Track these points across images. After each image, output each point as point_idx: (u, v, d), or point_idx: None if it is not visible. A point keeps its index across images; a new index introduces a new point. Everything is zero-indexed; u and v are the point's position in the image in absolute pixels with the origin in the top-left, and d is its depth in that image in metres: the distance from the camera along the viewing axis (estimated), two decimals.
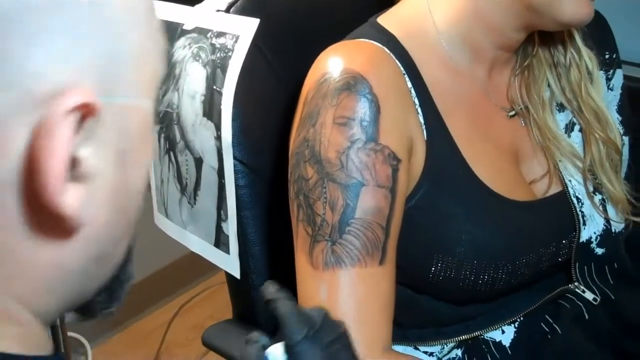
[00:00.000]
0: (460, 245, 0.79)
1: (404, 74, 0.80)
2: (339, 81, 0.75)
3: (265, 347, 0.55)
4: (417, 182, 0.78)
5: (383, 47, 0.80)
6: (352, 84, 0.75)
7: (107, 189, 0.39)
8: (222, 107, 0.92)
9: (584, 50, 0.89)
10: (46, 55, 0.35)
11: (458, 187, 0.80)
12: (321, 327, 0.53)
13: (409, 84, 0.80)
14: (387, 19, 0.86)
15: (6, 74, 0.33)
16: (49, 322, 0.41)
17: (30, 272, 0.37)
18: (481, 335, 0.85)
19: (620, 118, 0.96)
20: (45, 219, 0.36)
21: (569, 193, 0.88)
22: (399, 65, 0.80)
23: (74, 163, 0.36)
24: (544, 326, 0.87)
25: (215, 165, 0.96)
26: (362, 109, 0.75)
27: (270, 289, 0.55)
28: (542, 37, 0.88)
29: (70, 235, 0.37)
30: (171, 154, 1.02)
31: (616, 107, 0.96)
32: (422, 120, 0.80)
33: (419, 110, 0.80)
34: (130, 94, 0.40)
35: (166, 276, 2.05)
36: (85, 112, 0.35)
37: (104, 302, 0.45)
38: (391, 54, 0.80)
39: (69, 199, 0.35)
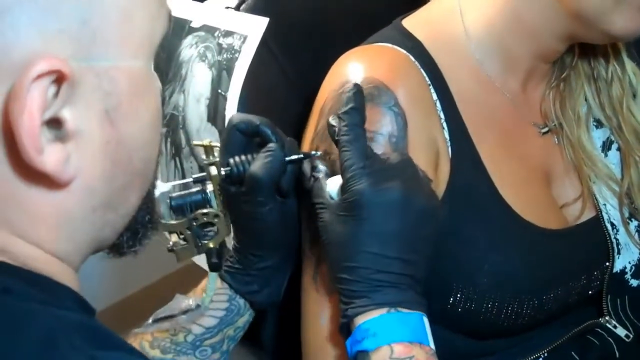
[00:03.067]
0: (482, 276, 0.72)
1: (429, 85, 0.74)
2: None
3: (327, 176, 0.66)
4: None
5: (408, 53, 0.74)
6: (376, 94, 0.69)
7: (96, 144, 0.42)
8: (225, 112, 0.85)
9: (628, 64, 0.82)
10: (14, 28, 0.37)
11: (483, 211, 0.74)
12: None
13: (435, 96, 0.74)
14: (413, 22, 0.79)
15: None
16: (76, 266, 0.45)
17: (37, 217, 0.41)
18: None
19: None
20: (33, 172, 0.40)
21: (603, 219, 0.80)
22: (425, 74, 0.73)
23: (57, 124, 0.39)
24: None
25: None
26: (389, 123, 0.69)
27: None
28: (583, 48, 0.82)
29: (63, 186, 0.41)
30: (177, 159, 0.96)
31: None
32: (447, 136, 0.73)
33: (445, 125, 0.74)
34: (114, 55, 0.42)
35: (163, 288, 1.99)
36: (58, 78, 0.38)
37: (130, 242, 0.50)
38: (416, 62, 0.74)
39: (49, 156, 0.39)
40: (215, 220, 0.68)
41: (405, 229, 0.61)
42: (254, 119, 0.70)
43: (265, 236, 0.71)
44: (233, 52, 0.84)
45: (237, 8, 0.88)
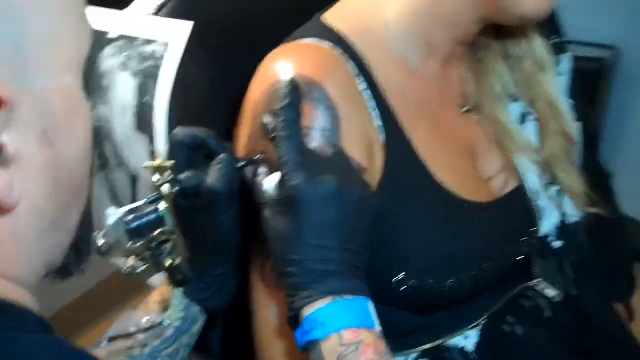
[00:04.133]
0: (423, 255, 0.76)
1: (357, 77, 0.76)
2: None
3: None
4: (376, 190, 0.74)
5: (333, 48, 0.75)
6: (307, 90, 0.70)
7: (38, 167, 0.42)
8: (154, 120, 0.85)
9: (537, 41, 0.86)
10: None
11: (417, 193, 0.77)
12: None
13: (363, 87, 0.76)
14: (333, 16, 0.81)
15: None
16: (33, 288, 0.46)
17: None
18: (444, 342, 0.82)
19: (571, 102, 0.92)
20: None
21: (525, 188, 0.85)
22: (351, 67, 0.75)
23: None
24: (506, 328, 0.84)
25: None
26: (322, 117, 0.70)
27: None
28: (494, 29, 0.85)
29: (9, 211, 0.41)
30: (104, 172, 0.95)
31: (566, 92, 0.93)
32: (378, 124, 0.76)
33: (375, 115, 0.76)
34: (47, 76, 0.42)
35: (100, 294, 1.96)
36: None
37: (76, 261, 0.51)
38: (341, 56, 0.75)
39: None
40: (173, 236, 0.68)
41: (342, 219, 0.63)
42: (199, 132, 0.71)
43: (222, 244, 0.73)
44: (157, 59, 0.84)
45: (157, 14, 0.88)
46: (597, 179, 0.94)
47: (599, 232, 0.93)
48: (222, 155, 0.70)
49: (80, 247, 0.51)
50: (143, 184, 0.91)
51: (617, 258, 0.98)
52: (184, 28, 0.82)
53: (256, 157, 0.71)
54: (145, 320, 0.73)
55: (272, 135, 0.67)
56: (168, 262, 0.70)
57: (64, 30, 0.44)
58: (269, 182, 0.67)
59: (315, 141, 0.70)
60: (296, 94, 0.67)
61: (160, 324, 0.71)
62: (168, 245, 0.70)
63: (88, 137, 0.47)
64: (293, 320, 0.64)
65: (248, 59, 0.82)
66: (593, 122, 1.04)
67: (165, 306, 0.75)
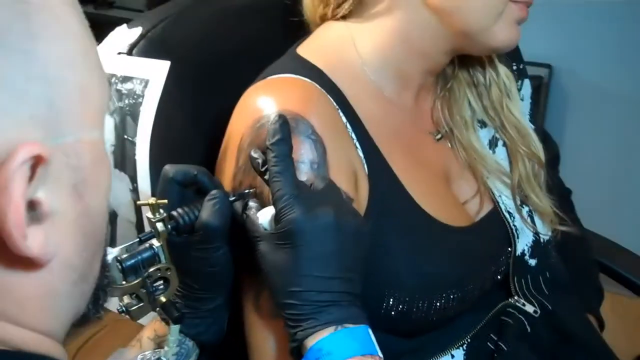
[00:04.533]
0: (410, 280, 0.78)
1: (338, 110, 0.78)
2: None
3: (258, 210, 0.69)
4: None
5: (312, 82, 0.77)
6: (294, 125, 0.71)
7: (69, 220, 0.42)
8: (136, 157, 0.85)
9: (501, 68, 0.90)
10: None
11: (402, 219, 0.79)
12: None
13: (344, 119, 0.78)
14: (307, 50, 0.83)
15: None
16: (61, 340, 0.46)
17: (24, 300, 0.42)
18: None
19: (533, 127, 0.97)
20: (15, 257, 0.40)
21: (500, 209, 0.89)
22: (332, 100, 0.77)
23: (32, 207, 0.39)
24: (490, 345, 0.87)
25: (133, 218, 0.89)
26: (310, 150, 0.72)
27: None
28: (461, 59, 0.89)
29: (42, 266, 0.41)
30: None
31: (528, 116, 0.98)
32: (361, 155, 0.78)
33: (358, 145, 0.78)
34: (78, 130, 0.43)
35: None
36: (36, 162, 0.38)
37: (94, 309, 0.51)
38: (322, 89, 0.77)
39: (32, 241, 0.39)
40: (168, 273, 0.68)
41: (340, 249, 0.65)
42: (191, 169, 0.72)
43: (216, 277, 0.73)
44: (135, 97, 0.85)
45: (129, 53, 0.88)
46: (560, 197, 0.98)
47: (566, 247, 0.97)
48: (214, 191, 0.70)
49: (99, 295, 0.51)
50: (121, 220, 0.91)
51: (584, 271, 1.03)
52: (162, 66, 0.83)
53: (246, 191, 0.73)
54: (139, 358, 0.72)
55: (263, 169, 0.69)
56: (163, 299, 0.70)
57: (90, 84, 0.44)
58: (264, 216, 0.69)
59: (305, 174, 0.71)
60: (286, 129, 0.68)
61: (158, 359, 0.71)
62: (162, 282, 0.70)
63: (109, 187, 0.47)
64: (295, 351, 0.65)
65: (222, 93, 0.84)
66: (552, 142, 1.09)
67: (158, 342, 0.75)
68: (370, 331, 0.66)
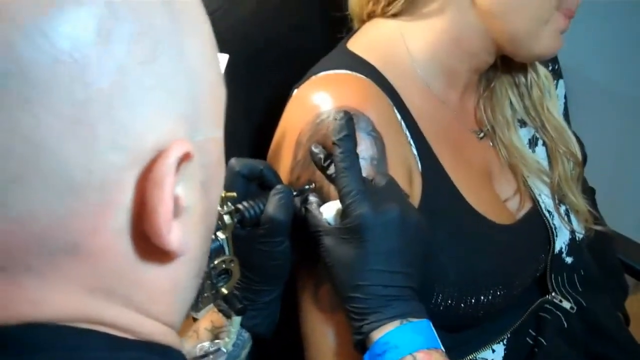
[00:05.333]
0: (460, 275, 0.79)
1: (392, 106, 0.79)
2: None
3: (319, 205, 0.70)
4: None
5: (368, 79, 0.78)
6: (355, 122, 0.72)
7: (198, 216, 0.43)
8: None
9: (541, 70, 0.92)
10: (146, 117, 0.38)
11: (453, 216, 0.81)
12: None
13: (398, 116, 0.79)
14: (358, 46, 0.84)
15: (115, 138, 0.37)
16: (177, 330, 0.47)
17: (156, 293, 0.42)
18: (474, 357, 0.86)
19: (568, 126, 0.99)
20: (152, 251, 0.40)
21: (540, 208, 0.91)
22: (386, 97, 0.79)
23: (175, 202, 0.40)
24: (529, 340, 0.89)
25: None
26: (370, 147, 0.73)
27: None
28: (504, 59, 0.90)
29: (172, 260, 0.42)
30: None
31: (562, 116, 0.99)
32: (415, 152, 0.79)
33: (412, 142, 0.80)
34: (210, 128, 0.43)
35: None
36: (183, 158, 0.39)
37: (194, 304, 0.54)
38: (377, 86, 0.78)
39: (174, 235, 0.39)
40: (231, 265, 0.69)
41: (404, 245, 0.67)
42: (257, 163, 0.73)
43: (276, 271, 0.74)
44: None
45: None
46: (588, 196, 1.01)
47: (597, 246, 1.00)
48: (280, 186, 0.72)
49: (200, 290, 0.51)
50: None
51: (612, 269, 1.05)
52: (221, 59, 0.83)
53: (307, 187, 0.74)
54: (198, 349, 0.73)
55: (325, 164, 0.70)
56: (225, 291, 0.71)
57: (219, 81, 0.44)
58: (328, 211, 0.70)
59: (365, 170, 0.72)
60: (351, 125, 0.69)
61: (217, 350, 0.72)
62: (224, 275, 0.71)
63: (223, 184, 0.48)
64: (360, 344, 0.67)
65: (267, 87, 0.87)
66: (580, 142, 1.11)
67: (216, 334, 0.76)
68: (431, 324, 0.67)
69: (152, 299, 0.42)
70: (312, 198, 0.72)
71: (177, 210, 0.40)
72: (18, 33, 0.34)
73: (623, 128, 2.09)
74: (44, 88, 0.34)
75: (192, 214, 0.42)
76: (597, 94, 2.09)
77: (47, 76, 0.34)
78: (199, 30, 0.43)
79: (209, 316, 0.77)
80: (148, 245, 0.40)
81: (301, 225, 0.72)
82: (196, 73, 0.41)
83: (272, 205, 0.70)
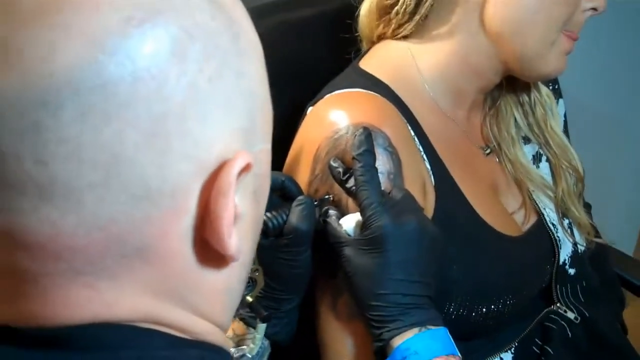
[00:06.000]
0: (472, 286, 0.82)
1: (406, 123, 0.82)
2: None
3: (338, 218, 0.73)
4: None
5: (382, 97, 0.81)
6: (373, 137, 0.75)
7: (249, 223, 0.46)
8: None
9: (543, 89, 0.96)
10: (212, 130, 0.40)
11: (464, 228, 0.83)
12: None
13: (412, 132, 0.82)
14: (371, 65, 0.87)
15: (186, 148, 0.39)
16: (225, 330, 0.49)
17: (212, 296, 0.45)
18: None
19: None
20: (210, 256, 0.43)
21: (545, 221, 0.94)
22: (400, 114, 0.81)
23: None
24: (536, 349, 0.92)
25: None
26: (387, 162, 0.76)
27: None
28: (508, 79, 0.94)
29: (227, 265, 0.44)
30: None
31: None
32: (428, 167, 0.82)
33: (425, 157, 0.82)
34: (263, 141, 0.46)
35: None
36: (244, 169, 0.41)
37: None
38: (391, 103, 0.81)
39: (232, 240, 0.42)
40: (256, 274, 0.72)
41: (422, 255, 0.69)
42: (279, 175, 0.75)
43: (297, 280, 0.76)
44: None
45: None
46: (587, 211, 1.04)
47: (596, 258, 1.03)
48: (302, 197, 0.74)
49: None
50: None
51: (611, 281, 1.08)
52: None
53: (326, 197, 0.76)
54: None
55: (344, 178, 0.73)
56: (250, 299, 0.73)
57: (269, 97, 0.47)
58: (347, 223, 0.72)
59: (383, 184, 0.74)
60: (370, 141, 0.72)
61: (242, 357, 0.74)
62: (249, 283, 0.73)
63: (268, 194, 0.50)
64: (380, 351, 0.69)
65: (284, 105, 0.84)
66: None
67: (237, 341, 0.77)
68: (449, 332, 0.70)
69: (208, 301, 0.45)
70: (332, 211, 0.74)
71: (235, 217, 0.42)
72: (102, 52, 0.36)
73: (611, 145, 2.13)
74: (125, 103, 0.37)
75: (245, 221, 0.45)
76: (587, 114, 2.13)
77: (128, 91, 0.37)
78: (256, 52, 0.45)
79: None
80: (207, 250, 0.42)
81: (320, 236, 0.74)
82: (253, 90, 0.44)
83: (295, 215, 0.72)
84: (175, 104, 0.38)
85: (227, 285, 0.46)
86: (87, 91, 0.36)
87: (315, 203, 0.75)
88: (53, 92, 0.35)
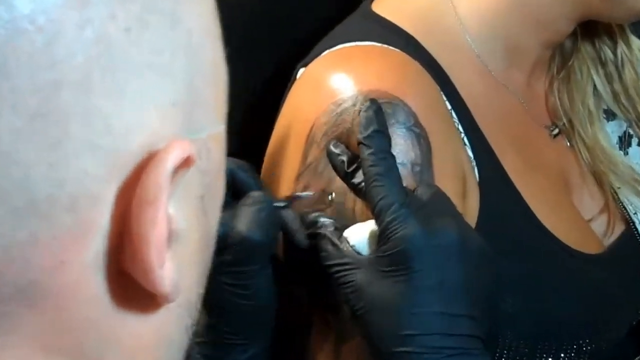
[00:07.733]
0: (532, 324, 0.68)
1: (439, 91, 0.66)
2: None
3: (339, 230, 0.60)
4: None
5: (405, 53, 0.66)
6: (390, 112, 0.61)
7: (194, 244, 0.37)
8: None
9: (634, 42, 0.79)
10: (132, 107, 0.32)
11: (520, 240, 0.70)
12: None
13: (448, 105, 0.67)
14: (388, 8, 0.72)
15: (91, 136, 0.31)
16: None
17: (136, 351, 0.36)
18: None
19: None
20: (131, 296, 0.34)
21: (637, 231, 0.77)
22: (431, 77, 0.66)
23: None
24: None
25: None
26: (411, 148, 0.63)
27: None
28: (584, 29, 0.77)
29: (160, 307, 0.36)
30: None
31: None
32: (471, 154, 0.68)
33: (466, 140, 0.68)
34: (210, 122, 0.37)
35: None
36: (181, 166, 0.33)
37: None
38: (418, 63, 0.66)
39: (166, 270, 0.33)
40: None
41: (466, 277, 0.56)
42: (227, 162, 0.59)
43: (252, 315, 0.61)
44: None
45: None
46: None
47: None
48: (256, 193, 0.60)
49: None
50: None
51: None
52: None
53: (301, 194, 0.63)
54: None
55: (349, 170, 0.60)
56: None
57: (221, 62, 0.37)
58: (356, 236, 0.58)
59: (405, 179, 0.60)
60: (382, 117, 0.58)
61: None
62: None
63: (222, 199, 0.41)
64: None
65: (270, 63, 0.78)
66: None
67: None
68: None
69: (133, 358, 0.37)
70: (325, 220, 0.60)
71: (169, 236, 0.34)
72: None
73: None
74: None
75: (187, 240, 0.36)
76: None
77: (1, 52, 0.29)
78: None
79: None
80: (128, 286, 0.34)
81: (308, 258, 0.59)
82: (193, 48, 0.35)
83: (245, 219, 0.59)
84: (73, 68, 0.30)
85: (160, 337, 0.37)
86: None
87: (283, 204, 0.61)
88: None
